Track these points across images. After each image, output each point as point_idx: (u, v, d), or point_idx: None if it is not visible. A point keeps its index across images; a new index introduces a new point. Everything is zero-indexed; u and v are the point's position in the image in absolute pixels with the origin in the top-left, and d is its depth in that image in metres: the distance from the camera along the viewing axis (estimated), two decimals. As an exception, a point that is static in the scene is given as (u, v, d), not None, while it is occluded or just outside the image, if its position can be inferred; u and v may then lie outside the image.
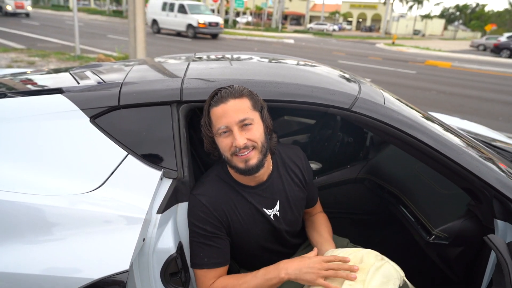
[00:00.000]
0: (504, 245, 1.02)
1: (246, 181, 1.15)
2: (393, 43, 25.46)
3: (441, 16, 75.40)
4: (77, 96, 1.11)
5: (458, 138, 1.32)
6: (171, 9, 18.73)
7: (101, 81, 1.25)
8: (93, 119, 1.09)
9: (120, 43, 12.46)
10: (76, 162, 1.05)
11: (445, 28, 74.76)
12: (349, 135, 1.95)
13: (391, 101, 1.31)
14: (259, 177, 1.14)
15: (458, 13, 72.35)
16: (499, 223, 1.15)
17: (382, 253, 1.10)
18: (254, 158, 1.05)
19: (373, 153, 1.95)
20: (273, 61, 1.62)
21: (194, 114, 1.40)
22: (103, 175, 1.03)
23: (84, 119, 1.08)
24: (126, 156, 1.07)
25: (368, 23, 68.22)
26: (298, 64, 1.62)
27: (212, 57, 1.68)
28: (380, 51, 19.67)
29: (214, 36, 19.19)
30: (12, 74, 1.72)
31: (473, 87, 9.47)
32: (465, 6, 70.84)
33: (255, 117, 1.06)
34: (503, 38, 22.87)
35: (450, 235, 1.31)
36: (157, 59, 1.73)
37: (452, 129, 1.44)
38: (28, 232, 0.93)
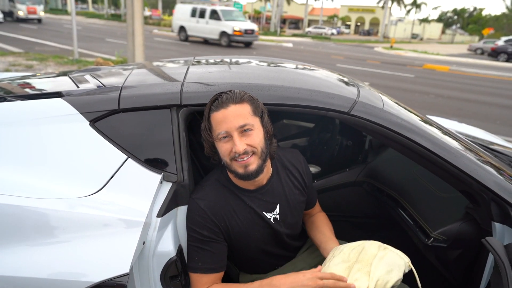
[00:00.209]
0: (502, 248, 1.02)
1: (246, 185, 1.15)
2: (391, 47, 25.59)
3: (439, 20, 75.85)
4: (77, 100, 1.12)
5: (456, 141, 1.32)
6: (202, 15, 17.38)
7: (101, 85, 1.25)
8: (93, 122, 1.09)
9: (118, 46, 12.48)
10: (76, 165, 1.05)
11: (443, 32, 75.18)
12: (348, 139, 1.96)
13: (390, 104, 1.31)
14: (258, 181, 1.14)
15: (455, 17, 72.82)
16: (497, 226, 1.16)
17: None
18: (253, 163, 1.06)
19: (372, 156, 1.96)
20: (272, 65, 1.63)
21: (194, 118, 1.41)
22: (103, 178, 1.03)
23: (84, 123, 1.08)
24: (126, 160, 1.07)
25: (366, 27, 68.53)
26: (297, 68, 1.63)
27: (212, 61, 1.69)
28: (378, 54, 19.75)
29: (248, 44, 17.70)
30: (11, 78, 1.72)
31: (471, 91, 9.52)
32: (463, 10, 71.31)
33: (255, 122, 1.06)
34: (500, 42, 23.03)
35: (448, 238, 1.32)
36: (156, 63, 1.74)
37: (450, 133, 1.45)
38: (28, 235, 0.93)
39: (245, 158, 1.04)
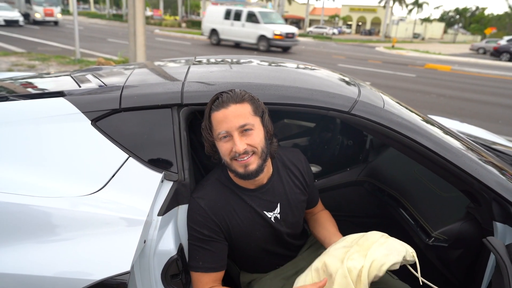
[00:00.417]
0: (503, 247, 1.02)
1: (246, 185, 1.15)
2: (392, 47, 25.53)
3: (441, 19, 75.66)
4: (79, 99, 1.12)
5: (458, 141, 1.32)
6: (237, 18, 15.91)
7: (102, 84, 1.26)
8: (95, 122, 1.10)
9: (120, 47, 12.50)
10: (77, 164, 1.05)
11: (445, 32, 74.99)
12: (349, 138, 1.95)
13: (391, 104, 1.31)
14: (259, 180, 1.15)
15: (457, 16, 72.64)
16: (498, 226, 1.16)
17: None
18: (253, 163, 1.06)
19: (373, 155, 1.96)
20: (273, 64, 1.63)
21: (195, 117, 1.41)
22: (104, 177, 1.04)
23: (85, 122, 1.09)
24: (127, 159, 1.08)
25: (368, 26, 68.44)
26: (298, 67, 1.63)
27: (212, 60, 1.69)
28: (379, 54, 19.72)
29: (286, 49, 16.09)
30: (13, 78, 1.73)
31: (473, 91, 9.49)
32: (465, 10, 71.14)
33: (256, 122, 1.06)
34: (503, 42, 22.92)
35: (449, 238, 1.32)
36: (157, 63, 1.74)
37: (451, 132, 1.45)
38: (30, 233, 0.94)
39: (245, 158, 1.04)
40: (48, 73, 1.80)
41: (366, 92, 1.31)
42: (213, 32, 17.06)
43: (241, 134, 1.04)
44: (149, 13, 42.66)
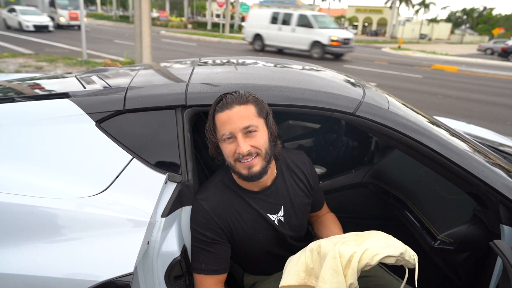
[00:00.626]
0: (510, 251, 1.00)
1: (250, 187, 1.15)
2: (399, 47, 25.37)
3: (448, 20, 75.05)
4: (83, 101, 1.13)
5: (464, 142, 1.31)
6: (286, 22, 14.32)
7: (107, 85, 1.26)
8: (99, 123, 1.10)
9: (126, 48, 12.59)
10: (81, 165, 1.06)
11: (452, 32, 74.35)
12: (354, 140, 1.94)
13: (396, 105, 1.30)
14: (263, 182, 1.14)
15: (465, 17, 72.01)
16: (506, 229, 1.14)
17: None
18: (257, 165, 1.05)
19: (378, 157, 1.95)
20: (277, 65, 1.63)
21: (199, 118, 1.41)
22: (108, 178, 1.04)
23: (90, 123, 1.10)
24: (131, 160, 1.08)
25: (374, 27, 68.09)
26: (302, 68, 1.63)
27: (217, 61, 1.69)
28: (386, 55, 19.61)
29: (339, 56, 14.46)
30: (20, 79, 1.74)
31: (481, 91, 9.39)
32: (472, 10, 70.50)
33: (260, 123, 1.06)
34: (511, 42, 22.69)
35: (455, 240, 1.30)
36: (163, 64, 1.75)
37: (457, 134, 1.43)
38: (34, 234, 0.94)
39: (249, 160, 1.04)
40: (54, 75, 1.81)
41: (371, 93, 1.31)
42: (257, 37, 15.42)
43: (245, 136, 1.03)
44: (155, 14, 42.89)
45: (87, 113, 1.10)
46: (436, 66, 14.52)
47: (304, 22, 13.85)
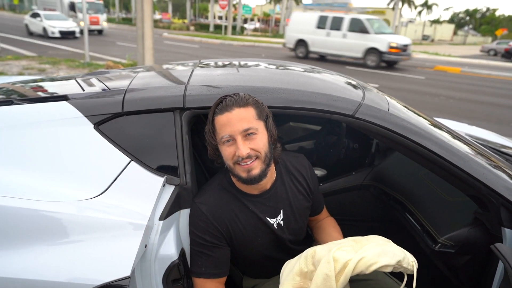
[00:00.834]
0: None
1: (249, 190, 1.14)
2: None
3: (451, 21, 74.81)
4: (82, 103, 1.13)
5: (465, 144, 1.30)
6: (336, 27, 12.96)
7: (106, 88, 1.26)
8: (97, 125, 1.10)
9: (129, 50, 12.64)
10: (79, 168, 1.06)
11: (455, 33, 74.06)
12: (355, 141, 1.93)
13: (396, 107, 1.29)
14: (262, 185, 1.13)
15: (468, 18, 71.78)
16: (507, 232, 1.13)
17: None
18: (257, 168, 1.05)
19: (379, 159, 1.93)
20: (278, 67, 1.62)
21: (200, 121, 1.41)
22: (106, 181, 1.04)
23: (88, 126, 1.09)
24: (129, 163, 1.08)
25: (377, 28, 67.87)
26: (303, 70, 1.62)
27: (216, 63, 1.69)
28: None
29: (392, 64, 13.15)
30: (21, 82, 1.75)
31: (484, 93, 9.35)
32: (475, 11, 70.26)
33: (260, 126, 1.05)
34: (514, 43, 22.58)
35: (456, 244, 1.29)
36: (165, 66, 1.75)
37: (459, 136, 1.42)
38: (29, 238, 0.94)
39: (248, 162, 1.03)
40: (54, 77, 1.82)
41: (371, 95, 1.30)
42: (300, 43, 14.07)
43: (244, 138, 1.03)
44: (157, 16, 43.00)
45: (86, 116, 1.10)
46: (439, 67, 14.47)
47: (358, 27, 12.53)
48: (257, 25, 45.77)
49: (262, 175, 1.07)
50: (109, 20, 40.68)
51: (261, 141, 1.05)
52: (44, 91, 1.48)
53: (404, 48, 12.27)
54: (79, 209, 0.97)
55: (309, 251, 1.02)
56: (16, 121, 1.10)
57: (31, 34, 17.91)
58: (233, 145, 1.04)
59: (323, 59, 14.13)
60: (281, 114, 1.19)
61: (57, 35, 16.98)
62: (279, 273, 1.30)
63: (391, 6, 51.02)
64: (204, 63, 1.70)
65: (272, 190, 1.17)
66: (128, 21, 38.43)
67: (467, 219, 1.32)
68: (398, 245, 1.02)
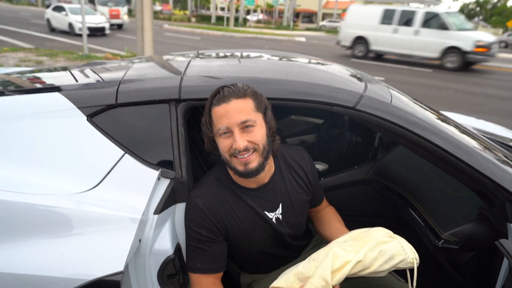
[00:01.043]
0: None
1: (247, 183, 1.11)
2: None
3: (461, 12, 73.55)
4: (75, 94, 1.11)
5: (471, 138, 1.26)
6: (406, 22, 11.10)
7: (100, 79, 1.24)
8: (90, 117, 1.08)
9: (128, 42, 12.54)
10: (72, 161, 1.04)
11: (464, 25, 72.83)
12: (357, 135, 1.89)
13: (399, 99, 1.26)
14: (260, 179, 1.11)
15: (478, 8, 70.45)
16: None
17: None
18: (254, 161, 1.02)
19: (382, 153, 1.90)
20: (278, 59, 1.58)
21: (198, 112, 1.38)
22: (99, 174, 1.02)
23: (81, 118, 1.07)
24: (123, 155, 1.06)
25: (384, 20, 66.98)
26: (304, 61, 1.58)
27: (214, 54, 1.65)
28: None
29: (469, 65, 11.10)
30: (11, 73, 1.73)
31: (493, 86, 9.18)
32: (486, 2, 68.88)
33: (258, 118, 1.02)
34: (525, 35, 22.11)
35: (460, 239, 1.26)
36: (162, 57, 1.72)
37: (464, 129, 1.38)
38: (21, 232, 0.92)
39: (246, 155, 1.01)
40: (48, 68, 1.79)
41: (373, 87, 1.26)
42: (359, 40, 12.18)
43: (242, 131, 1.00)
44: (158, 7, 42.54)
45: (78, 107, 1.08)
46: (447, 59, 14.20)
47: (435, 22, 10.65)
48: (260, 16, 45.36)
49: (260, 168, 1.04)
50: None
51: (259, 133, 1.02)
52: (37, 82, 1.45)
53: (491, 47, 10.50)
54: (71, 203, 0.96)
55: (313, 256, 1.02)
56: (7, 112, 1.08)
57: (53, 30, 15.88)
58: (230, 137, 1.01)
59: (379, 58, 12.39)
60: (282, 106, 1.16)
61: (86, 32, 15.07)
62: (277, 269, 1.28)
63: (398, -3, 50.11)
64: (201, 53, 1.66)
65: (271, 183, 1.15)
66: (128, 12, 38.25)
67: (472, 214, 1.28)
68: None
